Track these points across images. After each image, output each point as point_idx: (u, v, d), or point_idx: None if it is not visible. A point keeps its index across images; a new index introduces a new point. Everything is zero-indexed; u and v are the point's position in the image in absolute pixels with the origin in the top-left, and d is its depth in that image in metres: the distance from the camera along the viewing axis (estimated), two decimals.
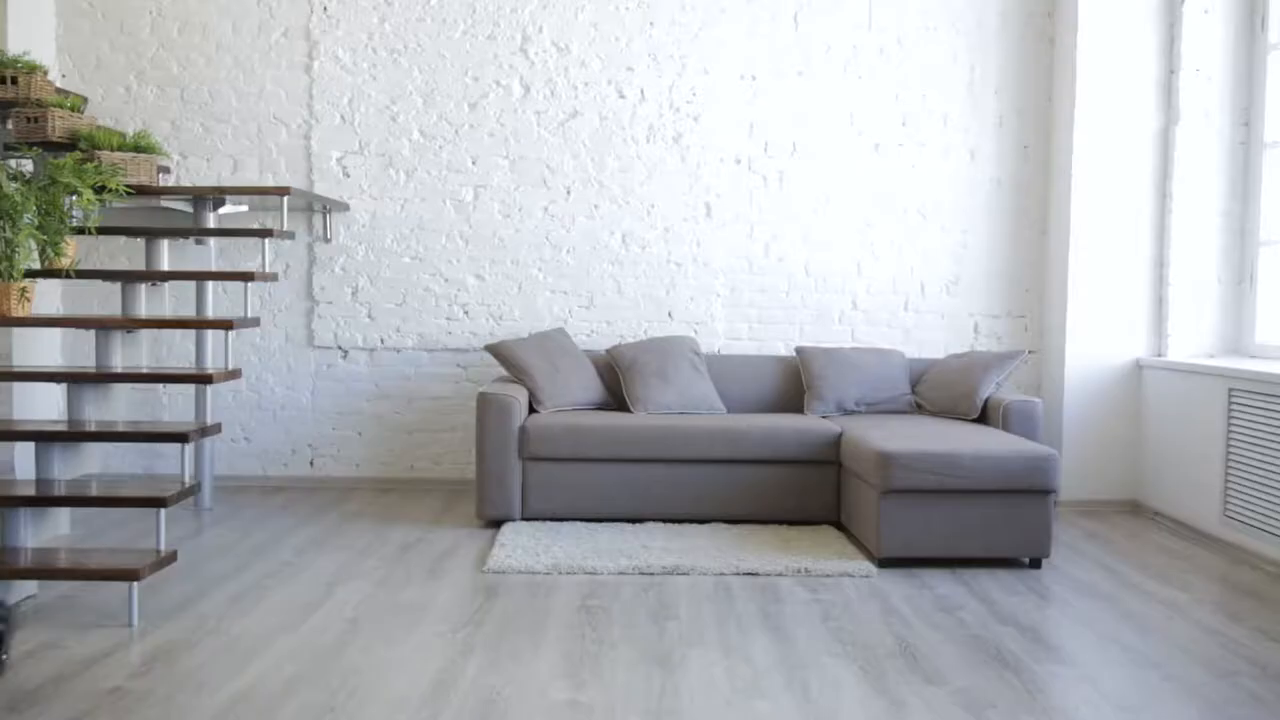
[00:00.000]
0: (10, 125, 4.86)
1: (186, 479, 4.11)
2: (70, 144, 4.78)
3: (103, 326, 4.37)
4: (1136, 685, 3.27)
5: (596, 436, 5.09)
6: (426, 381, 6.06)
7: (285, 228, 5.06)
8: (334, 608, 3.88)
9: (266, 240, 5.02)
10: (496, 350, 5.50)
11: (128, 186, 4.67)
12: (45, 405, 5.56)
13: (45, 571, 3.76)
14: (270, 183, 5.97)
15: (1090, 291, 5.77)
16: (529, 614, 3.82)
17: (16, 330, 4.99)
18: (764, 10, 6.00)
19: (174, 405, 6.06)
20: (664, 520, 5.16)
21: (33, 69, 4.80)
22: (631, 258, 6.05)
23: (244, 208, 5.69)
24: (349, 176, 6.00)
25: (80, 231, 4.47)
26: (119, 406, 4.43)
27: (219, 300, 5.84)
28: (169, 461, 6.00)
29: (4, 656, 3.20)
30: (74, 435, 4.02)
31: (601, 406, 5.53)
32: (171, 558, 3.91)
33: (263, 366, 6.06)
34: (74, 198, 4.29)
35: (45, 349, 5.65)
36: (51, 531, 4.16)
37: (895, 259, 6.09)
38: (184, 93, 5.99)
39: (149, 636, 3.56)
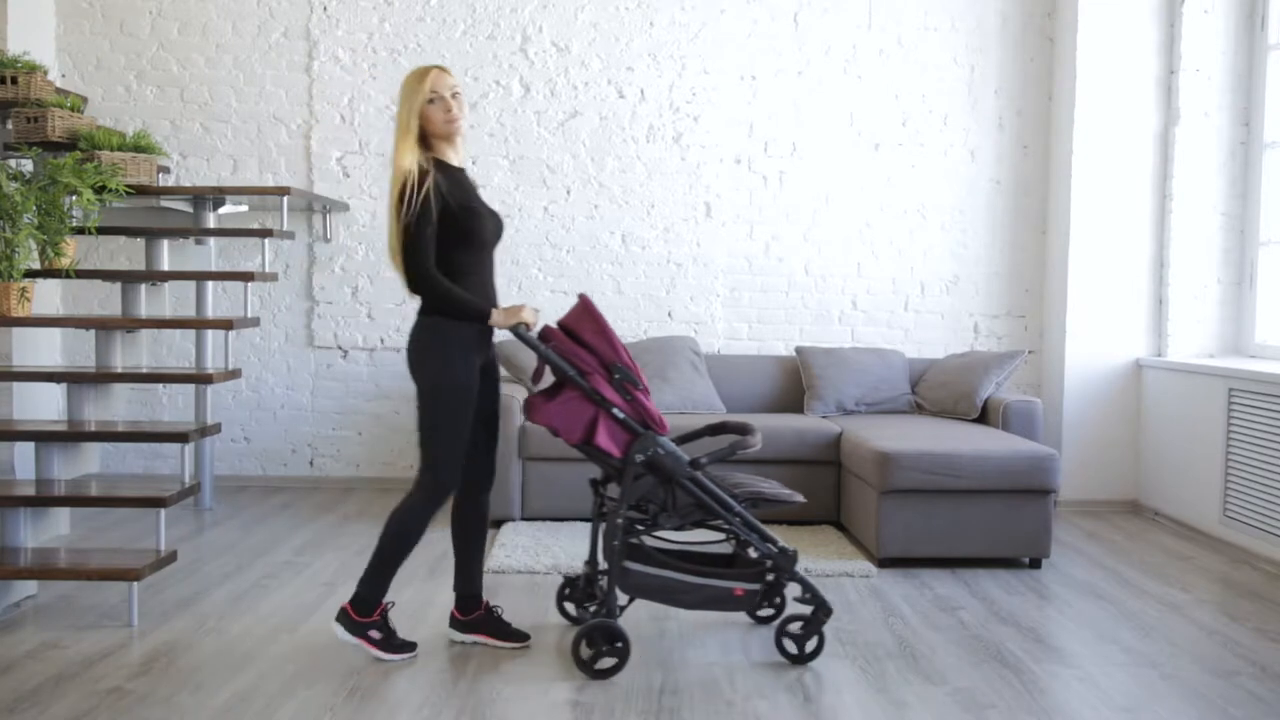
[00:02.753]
0: (10, 125, 4.86)
1: (186, 479, 4.11)
2: (70, 144, 4.77)
3: (103, 326, 4.37)
4: (1136, 685, 3.27)
5: None
6: None
7: (285, 228, 5.06)
8: (334, 608, 3.87)
9: (266, 240, 5.02)
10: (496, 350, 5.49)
11: (128, 186, 4.67)
12: (45, 405, 5.56)
13: (45, 571, 3.76)
14: (270, 183, 5.97)
15: (1090, 291, 5.77)
16: (529, 614, 3.81)
17: (16, 330, 4.99)
18: (764, 10, 6.00)
19: (174, 405, 6.06)
20: None
21: (33, 69, 4.80)
22: (631, 257, 6.05)
23: (244, 208, 5.69)
24: (349, 176, 6.00)
25: (80, 231, 4.47)
26: (119, 406, 4.44)
27: (219, 300, 5.84)
28: (169, 461, 6.00)
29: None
30: (74, 435, 4.02)
31: None
32: (171, 558, 3.91)
33: (263, 366, 6.06)
34: (74, 198, 4.30)
35: (45, 349, 5.65)
36: (51, 531, 4.16)
37: (895, 259, 6.09)
38: (184, 93, 5.99)
39: (149, 636, 3.56)
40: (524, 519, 5.15)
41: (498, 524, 5.14)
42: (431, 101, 3.21)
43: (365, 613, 3.33)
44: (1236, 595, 4.24)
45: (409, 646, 3.38)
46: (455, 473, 3.36)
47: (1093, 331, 5.78)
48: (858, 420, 5.26)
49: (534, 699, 3.08)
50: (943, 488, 4.47)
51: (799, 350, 5.78)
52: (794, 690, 3.17)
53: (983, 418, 5.35)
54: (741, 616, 3.81)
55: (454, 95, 3.26)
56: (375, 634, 3.34)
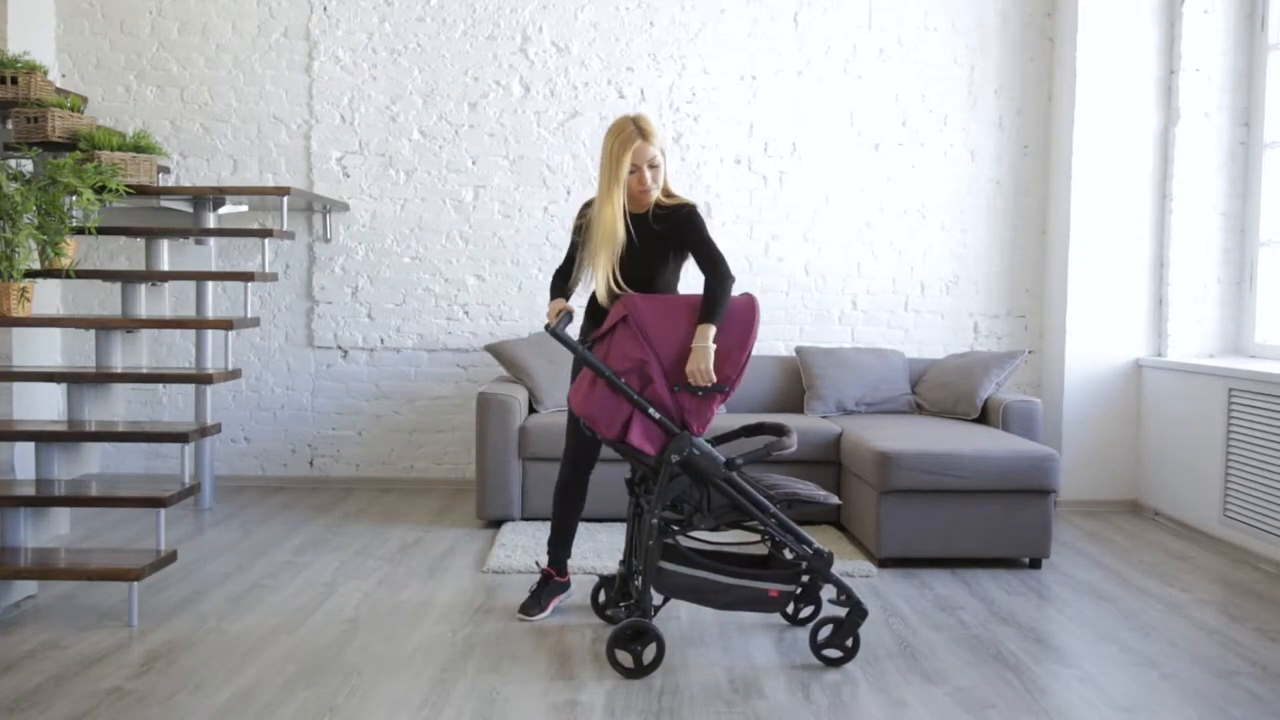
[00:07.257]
0: (10, 125, 4.86)
1: (186, 479, 4.11)
2: (70, 144, 4.77)
3: (103, 326, 4.37)
4: (1136, 685, 3.27)
5: None
6: (426, 381, 6.06)
7: (285, 228, 5.06)
8: (334, 608, 3.88)
9: (266, 240, 5.02)
10: (496, 350, 5.50)
11: (128, 186, 4.67)
12: (45, 405, 5.56)
13: (45, 571, 3.76)
14: (270, 183, 5.97)
15: (1090, 291, 5.77)
16: None
17: (16, 330, 4.99)
18: (764, 10, 5.99)
19: (174, 405, 6.06)
20: None
21: (33, 69, 4.80)
22: None
23: (244, 208, 5.69)
24: (349, 176, 6.00)
25: (80, 231, 4.47)
26: (119, 406, 4.44)
27: (219, 300, 5.84)
28: (169, 461, 6.00)
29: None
30: (74, 435, 4.02)
31: None
32: (171, 558, 3.91)
33: (263, 366, 6.06)
34: (74, 198, 4.30)
35: (45, 349, 5.66)
36: (51, 531, 4.16)
37: (895, 259, 6.09)
38: (184, 93, 5.99)
39: (149, 636, 3.56)
40: (524, 519, 5.15)
41: (498, 524, 5.15)
42: (631, 172, 3.52)
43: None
44: (1236, 595, 4.24)
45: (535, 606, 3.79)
46: (567, 449, 3.80)
47: (1093, 331, 5.78)
48: (858, 420, 5.26)
49: (534, 699, 3.08)
50: (943, 488, 4.47)
51: (799, 350, 5.78)
52: (794, 690, 3.17)
53: (983, 418, 5.35)
54: (743, 617, 3.81)
55: (651, 165, 3.52)
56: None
